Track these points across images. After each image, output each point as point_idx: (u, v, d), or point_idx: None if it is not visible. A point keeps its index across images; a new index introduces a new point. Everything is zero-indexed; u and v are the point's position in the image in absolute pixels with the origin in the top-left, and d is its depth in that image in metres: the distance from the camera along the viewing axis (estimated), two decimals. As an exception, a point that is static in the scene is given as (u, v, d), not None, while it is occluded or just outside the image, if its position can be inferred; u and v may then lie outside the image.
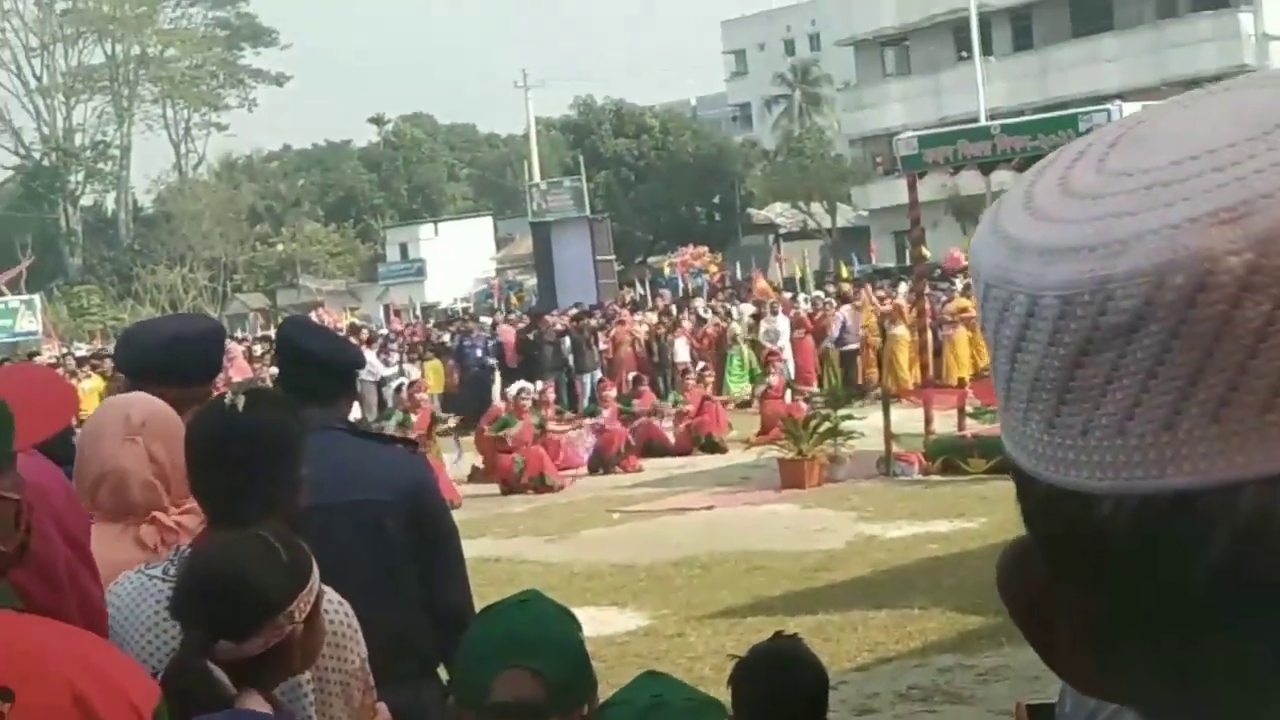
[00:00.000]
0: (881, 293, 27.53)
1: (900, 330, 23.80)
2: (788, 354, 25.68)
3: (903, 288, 27.26)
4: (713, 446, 20.42)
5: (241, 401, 3.15)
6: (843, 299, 27.88)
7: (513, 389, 20.62)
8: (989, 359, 0.62)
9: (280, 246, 69.69)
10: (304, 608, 2.59)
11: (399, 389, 21.02)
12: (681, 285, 42.47)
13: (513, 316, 34.69)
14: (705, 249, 47.15)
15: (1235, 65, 44.94)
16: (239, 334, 43.19)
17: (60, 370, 26.00)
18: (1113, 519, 0.56)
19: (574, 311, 30.70)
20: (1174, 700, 0.59)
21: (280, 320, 4.78)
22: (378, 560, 3.85)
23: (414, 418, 18.75)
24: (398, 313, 45.78)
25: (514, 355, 28.14)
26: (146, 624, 2.90)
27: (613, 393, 21.79)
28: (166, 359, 3.96)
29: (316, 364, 4.06)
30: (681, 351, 26.64)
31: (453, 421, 21.20)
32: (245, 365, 27.10)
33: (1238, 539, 0.54)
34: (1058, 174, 0.61)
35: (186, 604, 2.58)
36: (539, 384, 22.29)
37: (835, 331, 26.37)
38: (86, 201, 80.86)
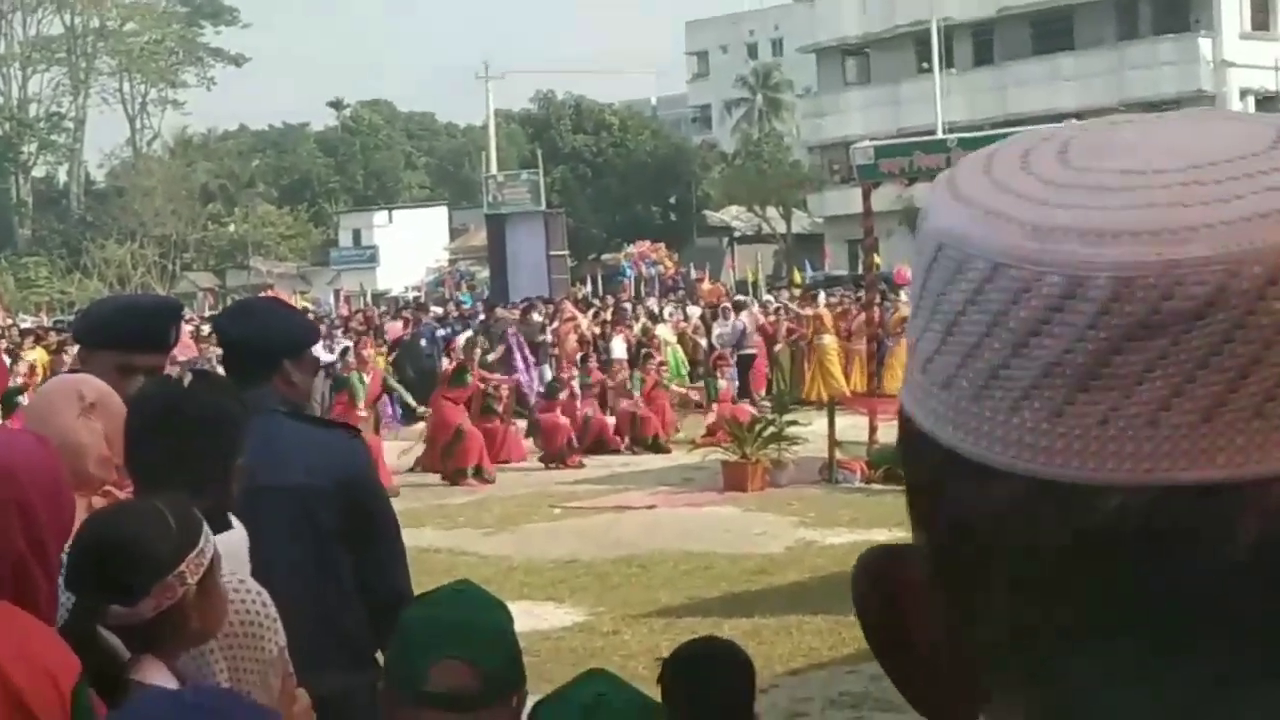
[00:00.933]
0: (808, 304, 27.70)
1: (828, 339, 24.00)
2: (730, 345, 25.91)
3: (822, 297, 27.66)
4: (657, 447, 20.43)
5: (187, 380, 3.16)
6: (738, 307, 28.04)
7: (460, 339, 20.42)
8: (946, 348, 0.59)
9: (232, 227, 69.35)
10: (194, 569, 2.58)
11: (344, 352, 20.66)
12: (635, 275, 42.52)
13: (465, 307, 34.67)
14: (662, 245, 47.21)
15: (1193, 90, 45.41)
16: (186, 313, 42.92)
17: (3, 341, 25.78)
18: (1119, 513, 0.55)
19: (524, 304, 30.69)
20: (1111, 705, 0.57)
21: (228, 301, 4.77)
22: (310, 545, 3.83)
23: (367, 379, 18.74)
24: (348, 298, 45.60)
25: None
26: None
27: (574, 375, 21.70)
28: (118, 323, 4.11)
29: (246, 347, 4.06)
30: (618, 349, 26.67)
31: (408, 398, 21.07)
32: (191, 344, 26.88)
33: (1265, 534, 0.54)
34: (1016, 167, 0.60)
35: (76, 571, 2.57)
36: (496, 377, 22.27)
37: (733, 336, 26.45)
38: (38, 173, 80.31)
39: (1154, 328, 0.54)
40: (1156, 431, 0.54)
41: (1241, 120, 0.61)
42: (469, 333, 21.12)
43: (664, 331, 27.19)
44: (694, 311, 30.44)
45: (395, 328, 30.15)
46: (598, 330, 28.27)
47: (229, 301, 52.02)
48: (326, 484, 3.89)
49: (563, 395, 20.46)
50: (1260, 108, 46.66)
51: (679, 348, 26.74)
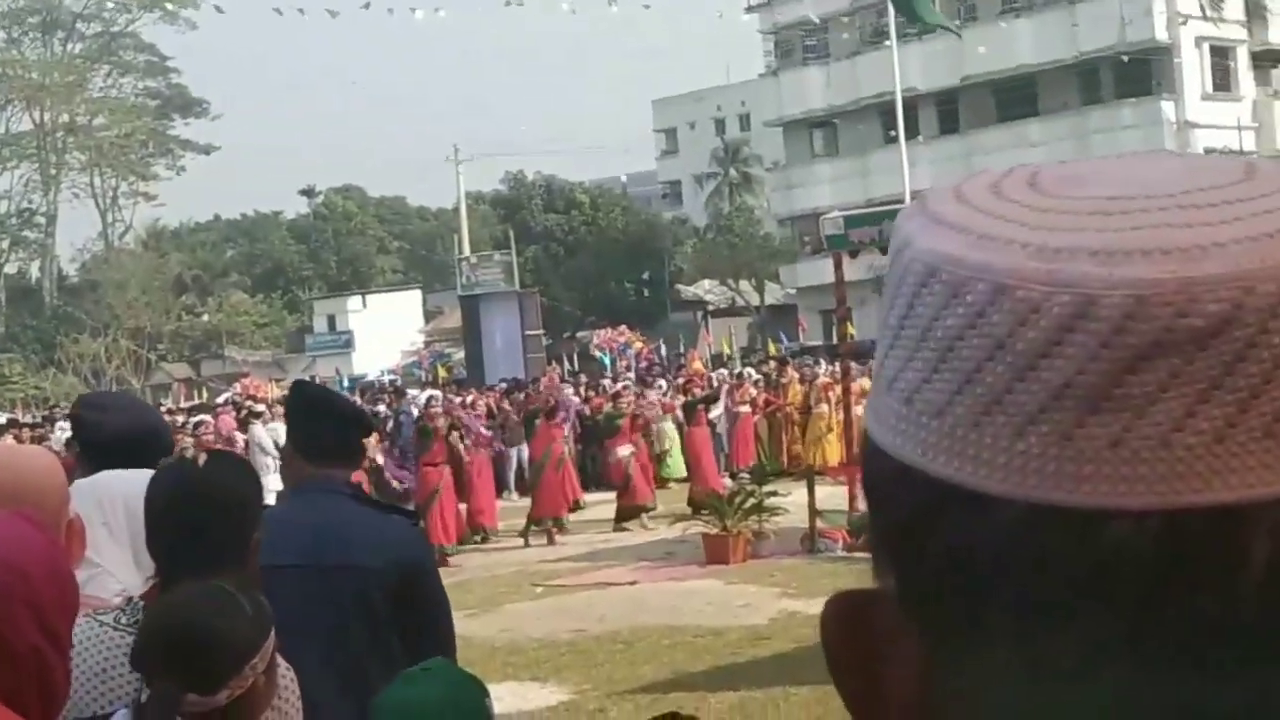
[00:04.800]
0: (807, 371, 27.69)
1: (824, 408, 23.95)
2: (723, 428, 25.81)
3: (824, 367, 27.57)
4: (636, 513, 20.49)
5: (202, 460, 3.19)
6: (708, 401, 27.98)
7: (422, 396, 20.50)
8: (939, 378, 0.57)
9: (206, 316, 69.25)
10: (265, 658, 2.61)
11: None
12: (611, 360, 42.57)
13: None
14: (624, 326, 47.45)
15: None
16: (162, 403, 42.79)
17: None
18: (1133, 536, 0.53)
19: (503, 385, 30.69)
20: None
21: (293, 384, 4.86)
22: (364, 625, 3.87)
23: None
24: (325, 384, 45.49)
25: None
26: (93, 670, 2.88)
27: (563, 445, 21.75)
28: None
29: (333, 424, 4.11)
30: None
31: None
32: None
33: (1278, 555, 0.53)
34: (989, 193, 0.60)
35: (153, 656, 2.56)
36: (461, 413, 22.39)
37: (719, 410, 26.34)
38: (10, 269, 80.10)
39: (1168, 346, 0.53)
40: (1169, 453, 0.53)
41: (1197, 157, 0.61)
42: (433, 391, 21.23)
43: (668, 429, 26.37)
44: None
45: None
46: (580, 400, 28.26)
47: (204, 391, 51.94)
48: (381, 566, 3.92)
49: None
50: (1224, 167, 47.12)
51: (668, 429, 26.17)
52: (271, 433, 23.88)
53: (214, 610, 2.58)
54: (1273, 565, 0.53)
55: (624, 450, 21.71)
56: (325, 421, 4.14)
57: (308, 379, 6.97)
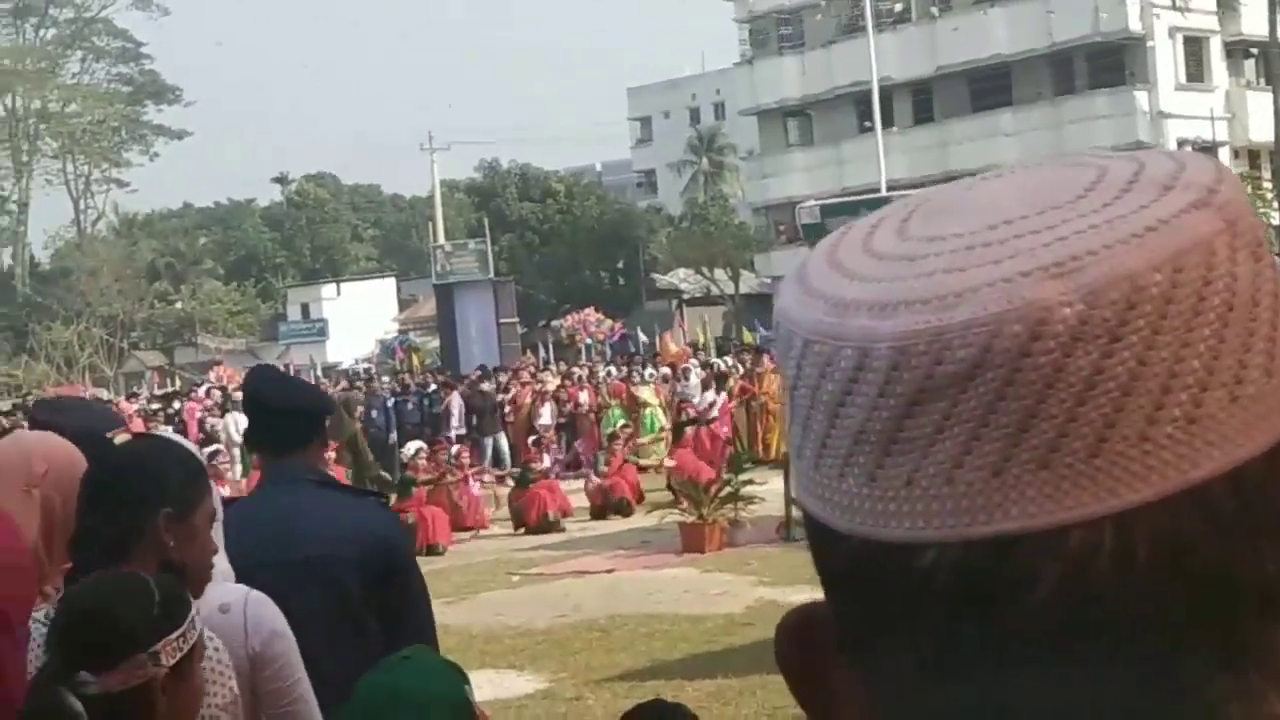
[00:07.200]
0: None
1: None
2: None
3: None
4: (623, 508, 20.47)
5: (120, 439, 3.13)
6: (705, 384, 28.02)
7: (409, 449, 20.55)
8: (794, 421, 0.62)
9: (179, 304, 68.98)
10: (171, 652, 2.53)
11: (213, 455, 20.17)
12: (589, 346, 42.72)
13: (409, 376, 34.80)
14: (591, 309, 47.54)
15: (1131, 141, 45.96)
16: (135, 391, 42.67)
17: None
18: (936, 567, 0.57)
19: (475, 375, 30.72)
20: None
21: (247, 371, 4.72)
22: (338, 615, 3.83)
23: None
24: (298, 372, 45.41)
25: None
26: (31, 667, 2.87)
27: (546, 462, 21.80)
28: None
29: (280, 413, 4.05)
30: (545, 415, 26.72)
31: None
32: (141, 426, 26.73)
33: (1064, 580, 0.56)
34: (860, 241, 0.63)
35: (54, 632, 2.55)
36: (455, 448, 22.35)
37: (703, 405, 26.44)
38: (-18, 257, 79.72)
39: (934, 391, 0.57)
40: (953, 489, 0.57)
41: (1077, 167, 0.62)
42: (418, 444, 21.15)
43: (646, 394, 27.08)
44: (665, 372, 30.26)
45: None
46: (557, 386, 28.33)
47: (177, 379, 51.77)
48: (355, 554, 3.89)
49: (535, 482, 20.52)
50: (1197, 157, 47.24)
51: (659, 410, 26.67)
52: (236, 422, 23.79)
53: (114, 591, 2.55)
54: (1060, 592, 0.56)
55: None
56: (281, 410, 4.05)
57: (265, 364, 6.82)
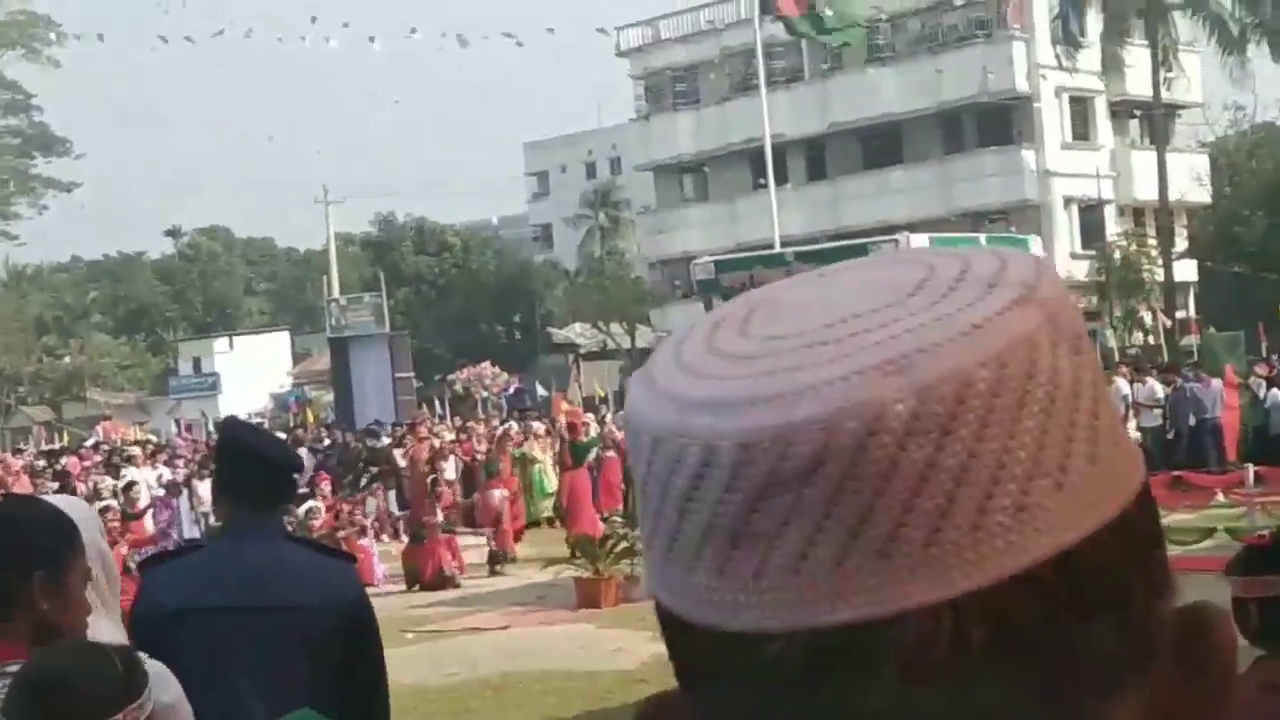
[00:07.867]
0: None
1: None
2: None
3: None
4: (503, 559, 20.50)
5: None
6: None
7: (300, 510, 20.36)
8: (645, 516, 0.64)
9: (67, 359, 67.91)
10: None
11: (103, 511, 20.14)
12: (484, 400, 42.61)
13: (303, 430, 34.45)
14: (487, 363, 47.52)
15: (1018, 199, 46.84)
16: (20, 447, 41.91)
17: None
18: (783, 656, 0.59)
19: (369, 427, 30.56)
20: None
21: (223, 422, 4.72)
22: (300, 667, 3.83)
23: None
24: (189, 427, 44.85)
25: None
26: None
27: (439, 518, 21.65)
28: None
29: (264, 462, 4.05)
30: (449, 470, 26.63)
31: None
32: (27, 482, 26.29)
33: (906, 667, 0.58)
34: (704, 339, 0.64)
35: (14, 702, 2.53)
36: (346, 508, 22.22)
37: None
38: None
39: (778, 485, 0.58)
40: (799, 579, 0.58)
41: (907, 264, 0.65)
42: (314, 502, 21.04)
43: (536, 451, 26.97)
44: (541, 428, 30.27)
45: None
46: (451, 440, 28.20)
47: (65, 435, 50.87)
48: (319, 607, 3.89)
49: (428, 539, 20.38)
50: (1084, 215, 48.27)
51: (548, 466, 26.58)
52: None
53: (72, 663, 2.54)
54: (906, 672, 0.58)
55: (498, 494, 21.72)
56: (265, 459, 4.05)
57: (236, 417, 6.89)
